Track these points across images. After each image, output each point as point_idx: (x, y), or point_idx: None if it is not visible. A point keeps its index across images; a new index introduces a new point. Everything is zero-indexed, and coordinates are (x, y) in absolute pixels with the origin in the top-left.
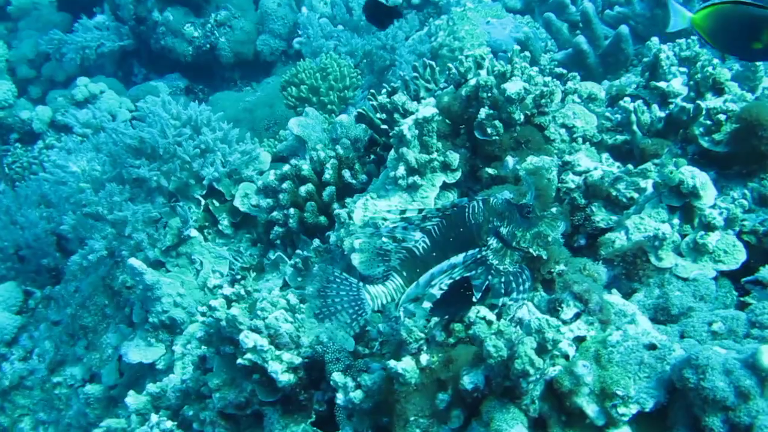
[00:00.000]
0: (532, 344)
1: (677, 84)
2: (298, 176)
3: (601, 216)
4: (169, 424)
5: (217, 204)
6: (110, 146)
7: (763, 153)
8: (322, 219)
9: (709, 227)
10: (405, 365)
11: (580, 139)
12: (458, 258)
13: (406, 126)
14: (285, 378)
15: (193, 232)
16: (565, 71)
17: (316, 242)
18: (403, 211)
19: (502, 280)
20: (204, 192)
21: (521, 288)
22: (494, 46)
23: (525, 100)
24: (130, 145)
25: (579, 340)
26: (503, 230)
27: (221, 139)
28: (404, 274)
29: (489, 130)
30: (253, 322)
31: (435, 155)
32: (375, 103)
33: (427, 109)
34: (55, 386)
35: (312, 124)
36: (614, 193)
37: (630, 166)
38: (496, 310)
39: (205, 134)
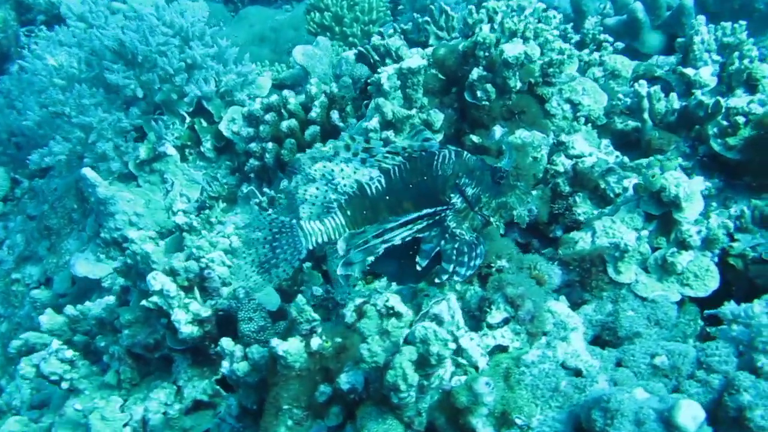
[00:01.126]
0: (411, 356)
1: (706, 73)
2: (285, 109)
3: (583, 209)
4: (69, 353)
5: (204, 124)
6: (93, 44)
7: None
8: None
9: (683, 245)
10: (289, 347)
11: (582, 119)
12: (414, 215)
13: (386, 74)
14: (187, 330)
15: (170, 150)
16: (610, 39)
17: (285, 183)
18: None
19: (455, 246)
20: (190, 109)
21: (471, 264)
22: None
23: (526, 66)
24: (109, 47)
25: (501, 349)
26: (470, 190)
27: (215, 56)
28: (348, 213)
29: (479, 94)
30: (172, 262)
31: (415, 111)
32: (372, 44)
33: (414, 59)
34: (13, 282)
35: (319, 56)
36: (603, 186)
37: (626, 159)
38: (445, 277)
39: (193, 48)
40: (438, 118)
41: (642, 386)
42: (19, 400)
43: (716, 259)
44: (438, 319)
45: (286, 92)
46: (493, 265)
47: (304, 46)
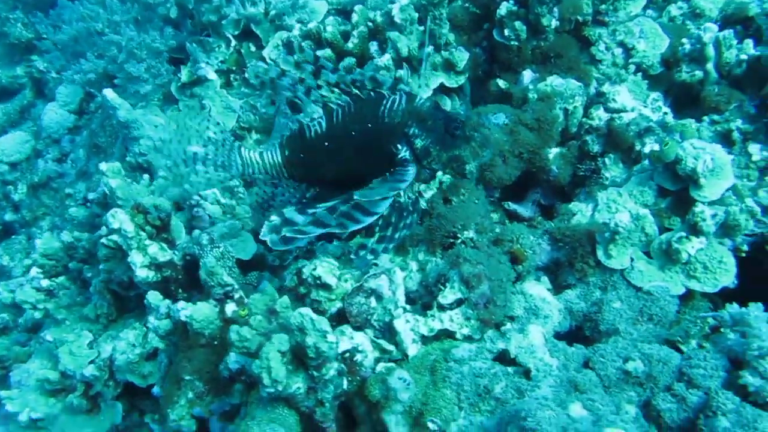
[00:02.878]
0: (281, 345)
1: None
2: (322, 37)
3: (614, 173)
4: (45, 282)
5: (253, 49)
6: None
7: None
8: None
9: (694, 229)
10: (194, 312)
11: (632, 67)
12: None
13: (398, 5)
14: (143, 273)
15: (211, 74)
16: None
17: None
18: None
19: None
20: (237, 32)
21: (396, 235)
22: None
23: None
24: None
25: (449, 335)
26: (419, 142)
27: None
28: (286, 152)
29: (506, 32)
30: (141, 198)
31: (431, 49)
32: None
33: None
34: (67, 197)
35: None
36: (638, 147)
37: (669, 117)
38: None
39: None
40: (462, 57)
41: (583, 401)
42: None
43: (745, 247)
44: (376, 294)
45: (329, 19)
46: (459, 235)
47: None
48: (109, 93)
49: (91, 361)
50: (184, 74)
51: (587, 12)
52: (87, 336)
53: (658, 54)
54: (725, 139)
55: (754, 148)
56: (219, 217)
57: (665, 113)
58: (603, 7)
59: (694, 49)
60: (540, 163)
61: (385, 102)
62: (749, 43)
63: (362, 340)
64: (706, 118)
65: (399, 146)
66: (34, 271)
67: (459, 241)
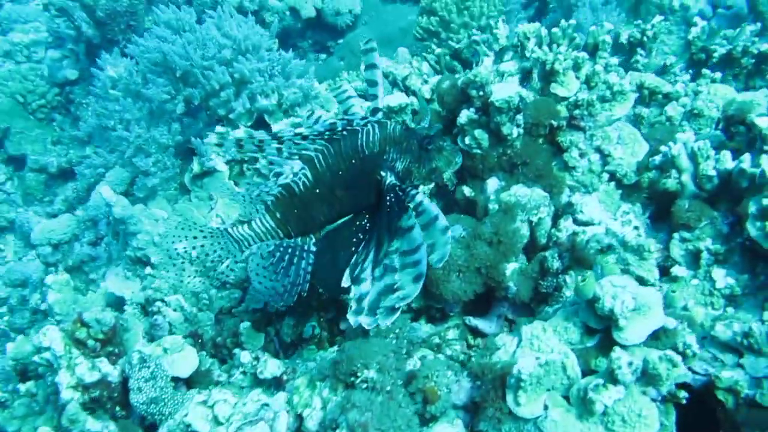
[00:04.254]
0: None
1: None
2: None
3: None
4: None
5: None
6: (150, 56)
7: None
8: None
9: (612, 377)
10: None
11: (605, 176)
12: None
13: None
14: (67, 395)
15: (221, 166)
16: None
17: None
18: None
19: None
20: (249, 123)
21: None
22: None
23: (541, 107)
24: (152, 59)
25: None
26: (399, 165)
27: (273, 71)
28: (278, 215)
29: (467, 140)
30: (83, 313)
31: None
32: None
33: (395, 96)
34: (91, 282)
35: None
36: None
37: (629, 238)
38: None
39: (241, 63)
40: None
41: None
42: None
43: (684, 394)
44: None
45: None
46: (359, 374)
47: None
48: (105, 191)
49: None
50: (196, 166)
51: (563, 116)
52: None
53: (635, 162)
54: (696, 260)
55: (718, 274)
56: (178, 326)
57: (636, 227)
58: (577, 112)
59: (666, 160)
60: (497, 278)
61: (360, 135)
62: (726, 154)
63: None
64: (676, 234)
65: (383, 173)
66: None
67: (359, 380)
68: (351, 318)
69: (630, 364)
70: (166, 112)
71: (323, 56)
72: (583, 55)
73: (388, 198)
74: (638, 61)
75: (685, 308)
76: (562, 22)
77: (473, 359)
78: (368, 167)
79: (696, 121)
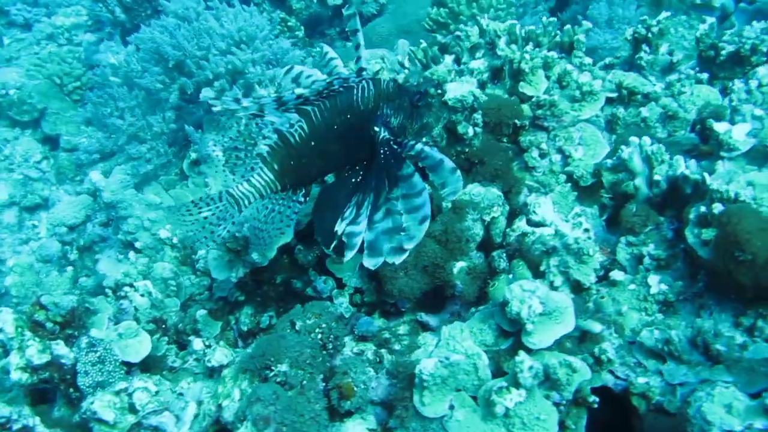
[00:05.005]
0: None
1: (739, 133)
2: None
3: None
4: None
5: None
6: (144, 46)
7: (739, 283)
8: None
9: (515, 380)
10: None
11: (563, 177)
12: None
13: None
14: (16, 376)
15: (217, 152)
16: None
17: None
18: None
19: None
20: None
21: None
22: None
23: (504, 106)
24: (149, 49)
25: None
26: (394, 121)
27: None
28: (275, 166)
29: (424, 138)
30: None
31: None
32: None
33: None
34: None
35: (391, 62)
36: (543, 269)
37: (571, 241)
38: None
39: (235, 54)
40: None
41: None
42: None
43: (595, 399)
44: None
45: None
46: (273, 368)
47: (373, 50)
48: (94, 175)
49: None
50: (193, 153)
51: (527, 116)
52: None
53: (592, 164)
54: (640, 264)
55: (653, 280)
56: (143, 311)
57: (586, 230)
58: (540, 112)
59: (619, 163)
60: (445, 277)
61: (356, 92)
62: (679, 159)
63: None
64: (622, 239)
65: (377, 128)
66: None
67: (272, 374)
68: (349, 254)
69: (531, 368)
70: (161, 101)
71: (349, 44)
72: (553, 54)
73: (382, 151)
74: (641, 58)
75: (619, 313)
76: (544, 19)
77: (393, 356)
78: (362, 122)
79: (671, 123)
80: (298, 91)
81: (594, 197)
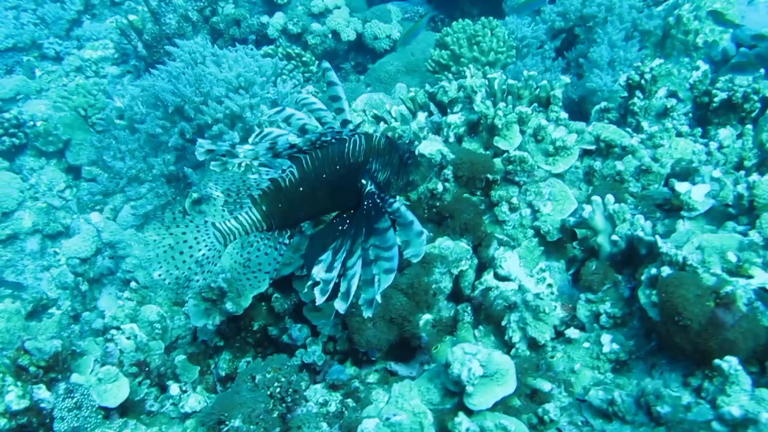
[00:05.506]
0: None
1: (698, 193)
2: None
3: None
4: None
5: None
6: (149, 90)
7: (679, 346)
8: None
9: None
10: None
11: (531, 231)
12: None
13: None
14: None
15: (216, 192)
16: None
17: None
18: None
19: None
20: None
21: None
22: (741, 38)
23: (459, 164)
24: (149, 94)
25: None
26: (381, 176)
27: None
28: (263, 207)
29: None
30: (26, 341)
31: None
32: None
33: None
34: None
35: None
36: (504, 324)
37: (533, 298)
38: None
39: (233, 99)
40: None
41: None
42: None
43: None
44: None
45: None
46: (227, 423)
47: (370, 94)
48: (94, 216)
49: None
50: (194, 193)
51: (499, 170)
52: None
53: (558, 219)
54: (597, 322)
55: (605, 339)
56: (128, 354)
57: (549, 285)
58: (510, 167)
59: (581, 221)
60: (411, 329)
61: (347, 145)
62: (640, 218)
63: None
64: (582, 295)
65: (364, 181)
66: None
67: (225, 429)
68: (318, 297)
69: (467, 429)
70: (162, 143)
71: (363, 77)
72: (527, 110)
73: (366, 203)
74: (635, 104)
75: (573, 370)
76: (525, 72)
77: (347, 412)
78: (351, 174)
79: (645, 177)
80: (292, 140)
81: (561, 252)
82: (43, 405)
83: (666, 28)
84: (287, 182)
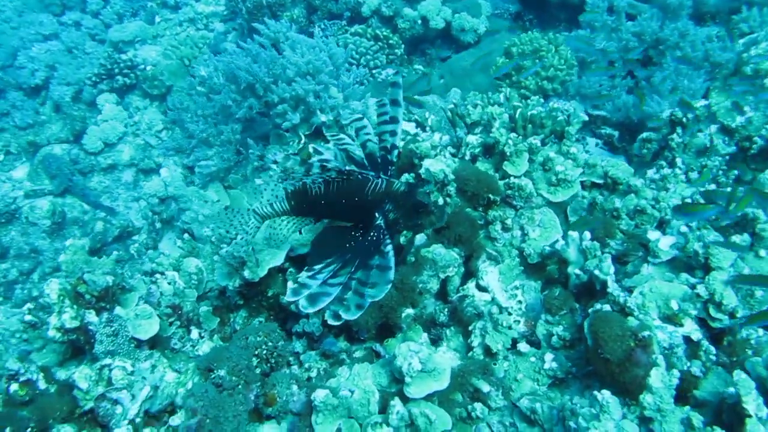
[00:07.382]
0: None
1: (665, 244)
2: None
3: (452, 344)
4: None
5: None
6: (224, 67)
7: (602, 376)
8: None
9: (386, 420)
10: None
11: (515, 251)
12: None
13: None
14: (51, 333)
15: (274, 163)
16: None
17: None
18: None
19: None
20: (309, 132)
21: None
22: None
23: (466, 181)
24: (224, 70)
25: None
26: (391, 215)
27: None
28: (293, 202)
29: None
30: (84, 272)
31: None
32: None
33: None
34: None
35: (437, 107)
36: (470, 329)
37: (497, 311)
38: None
39: (299, 83)
40: None
41: None
42: None
43: None
44: (120, 403)
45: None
46: (214, 371)
47: (425, 97)
48: (163, 171)
49: None
50: (256, 162)
51: (500, 192)
52: None
53: (540, 246)
54: (550, 341)
55: (547, 357)
56: (166, 297)
57: (519, 301)
58: (510, 192)
59: (553, 252)
60: (394, 318)
61: (369, 184)
62: (607, 257)
63: None
64: (542, 316)
65: (377, 215)
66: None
67: (212, 376)
68: (289, 294)
69: (398, 412)
70: (232, 114)
71: (435, 69)
72: (537, 142)
73: (371, 234)
74: (673, 139)
75: (516, 378)
76: (553, 103)
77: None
78: (367, 207)
79: (640, 217)
80: (332, 165)
81: (539, 274)
82: (90, 327)
83: (738, 63)
84: (313, 192)
